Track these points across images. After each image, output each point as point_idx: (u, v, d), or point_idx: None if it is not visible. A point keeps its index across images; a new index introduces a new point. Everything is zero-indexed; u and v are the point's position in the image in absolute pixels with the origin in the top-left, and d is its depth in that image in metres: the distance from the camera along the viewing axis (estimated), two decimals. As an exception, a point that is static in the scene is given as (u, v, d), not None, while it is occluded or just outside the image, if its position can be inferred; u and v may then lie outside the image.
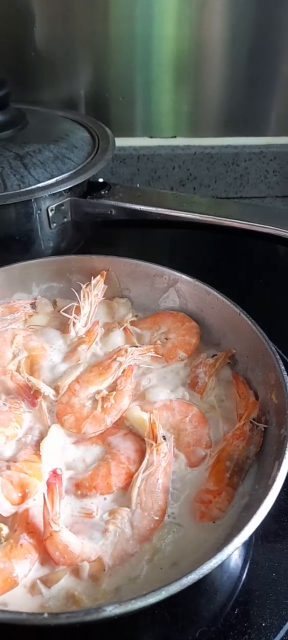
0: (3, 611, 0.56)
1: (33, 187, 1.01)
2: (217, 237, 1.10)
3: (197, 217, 1.05)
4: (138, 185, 1.43)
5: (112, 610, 0.55)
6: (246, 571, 0.75)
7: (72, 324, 0.96)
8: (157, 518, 0.71)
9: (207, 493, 0.74)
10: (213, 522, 0.71)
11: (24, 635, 0.65)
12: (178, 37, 1.38)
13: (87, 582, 0.66)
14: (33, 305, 1.02)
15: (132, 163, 1.45)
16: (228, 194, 1.52)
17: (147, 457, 0.75)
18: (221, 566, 0.67)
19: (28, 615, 0.55)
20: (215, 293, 0.94)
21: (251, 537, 0.68)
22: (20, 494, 0.71)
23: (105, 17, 1.34)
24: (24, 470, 0.73)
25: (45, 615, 0.55)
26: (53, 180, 1.03)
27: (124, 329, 0.98)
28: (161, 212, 1.06)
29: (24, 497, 0.71)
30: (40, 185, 1.02)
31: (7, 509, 0.70)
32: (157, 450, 0.75)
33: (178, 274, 0.98)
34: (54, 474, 0.71)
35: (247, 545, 0.77)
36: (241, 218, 1.08)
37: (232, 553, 0.61)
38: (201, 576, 0.58)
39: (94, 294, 0.99)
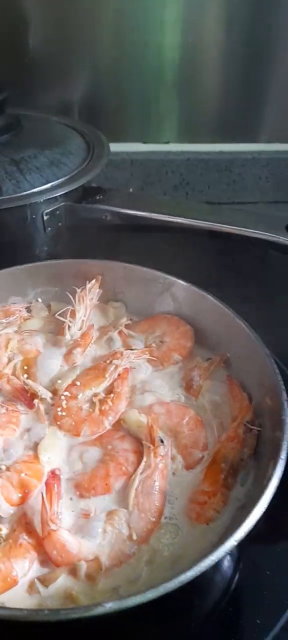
0: (3, 608, 0.57)
1: (28, 192, 1.03)
2: (212, 242, 1.11)
3: (192, 223, 1.07)
4: (131, 190, 1.44)
5: (111, 607, 0.56)
6: (240, 570, 0.76)
7: (67, 327, 0.97)
8: (154, 519, 0.72)
9: (202, 494, 0.75)
10: (207, 523, 0.72)
11: (20, 635, 0.66)
12: (172, 44, 1.40)
13: (84, 581, 0.66)
14: (28, 309, 1.03)
15: (126, 168, 1.46)
16: (221, 199, 1.54)
17: (144, 459, 0.76)
18: (216, 565, 0.70)
19: (29, 612, 0.56)
20: (210, 297, 0.95)
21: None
22: (20, 495, 0.71)
23: (99, 23, 1.35)
24: (24, 470, 0.73)
25: (46, 611, 0.56)
26: (48, 186, 1.05)
27: (119, 332, 0.99)
28: (156, 218, 1.08)
29: (23, 498, 0.71)
30: (35, 190, 1.03)
31: (6, 510, 0.70)
32: (154, 453, 0.76)
33: (173, 279, 0.99)
34: (53, 474, 0.72)
35: (241, 544, 0.78)
36: (236, 224, 1.09)
37: (229, 552, 0.62)
38: (198, 573, 0.59)
39: (89, 297, 1.00)
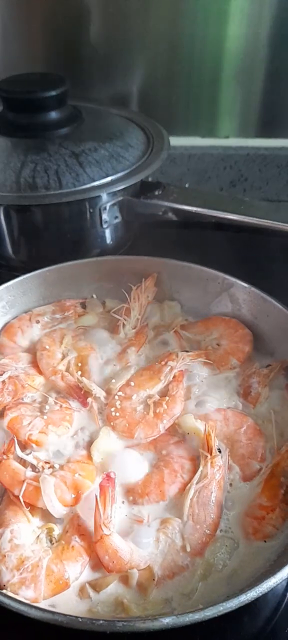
0: (59, 614, 0.56)
1: (88, 185, 1.02)
2: (274, 242, 1.07)
3: (254, 222, 1.02)
4: (187, 185, 1.41)
5: (168, 622, 0.55)
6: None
7: (121, 325, 0.96)
8: (209, 532, 0.69)
9: (260, 509, 0.72)
10: (265, 540, 0.69)
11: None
12: (232, 39, 1.35)
13: (135, 590, 0.65)
14: (83, 305, 1.02)
15: (183, 162, 1.43)
16: (280, 196, 1.49)
17: (201, 468, 0.73)
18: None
19: (83, 620, 0.55)
20: (272, 301, 0.91)
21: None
22: (73, 496, 0.70)
23: (159, 17, 1.33)
24: (77, 471, 0.72)
25: (101, 622, 0.55)
26: (108, 179, 1.03)
27: (174, 332, 0.96)
28: (216, 215, 1.04)
29: (77, 499, 0.71)
30: (95, 184, 1.02)
31: (60, 511, 0.69)
32: (211, 462, 0.73)
33: (233, 279, 0.96)
34: (108, 477, 0.71)
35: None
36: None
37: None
38: (260, 594, 0.57)
39: (144, 296, 0.99)
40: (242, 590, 0.57)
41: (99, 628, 0.55)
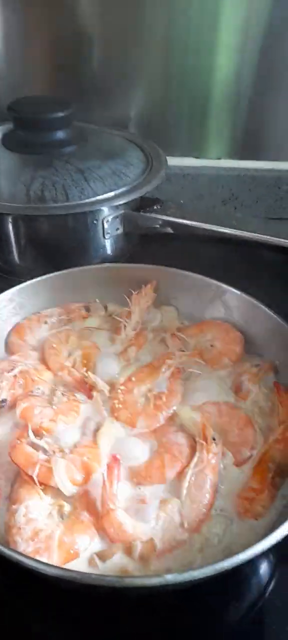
0: (74, 571, 0.63)
1: (92, 199, 1.09)
2: (263, 254, 1.15)
3: (245, 235, 1.11)
4: (182, 202, 1.50)
5: (170, 579, 0.60)
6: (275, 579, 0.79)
7: (123, 327, 1.03)
8: (205, 511, 0.76)
9: (250, 491, 0.79)
10: (256, 519, 0.76)
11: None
12: (224, 66, 1.44)
13: (137, 561, 0.71)
14: (87, 308, 1.09)
15: (178, 181, 1.52)
16: (268, 214, 1.58)
17: (197, 454, 0.80)
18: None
19: (97, 576, 0.61)
20: (261, 306, 0.99)
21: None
22: (82, 476, 0.77)
23: (154, 48, 1.42)
24: (85, 454, 0.79)
25: (111, 578, 0.61)
26: (111, 194, 1.11)
27: (171, 334, 1.03)
28: (210, 229, 1.13)
29: (85, 480, 0.77)
30: (99, 198, 1.10)
31: (70, 490, 0.76)
32: (207, 449, 0.80)
33: (225, 287, 1.04)
34: (114, 458, 0.78)
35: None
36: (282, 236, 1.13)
37: (280, 540, 0.65)
38: (251, 557, 0.63)
39: (143, 301, 1.06)
40: (236, 553, 0.63)
41: (108, 583, 0.61)
